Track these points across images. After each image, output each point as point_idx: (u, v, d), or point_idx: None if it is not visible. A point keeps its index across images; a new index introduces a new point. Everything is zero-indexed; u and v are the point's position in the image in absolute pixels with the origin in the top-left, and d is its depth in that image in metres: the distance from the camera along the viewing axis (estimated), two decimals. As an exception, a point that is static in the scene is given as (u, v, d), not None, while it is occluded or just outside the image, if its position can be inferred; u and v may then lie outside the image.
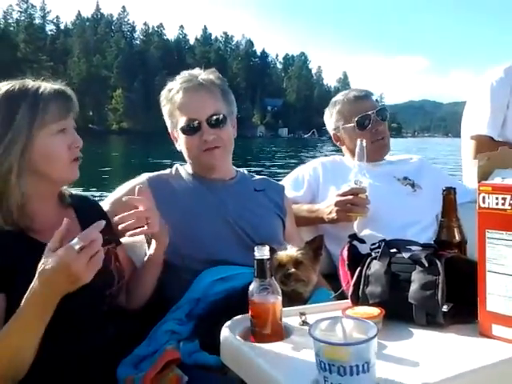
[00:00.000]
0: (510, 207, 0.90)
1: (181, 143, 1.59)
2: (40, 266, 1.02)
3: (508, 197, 0.91)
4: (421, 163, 2.05)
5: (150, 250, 1.41)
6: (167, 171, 1.66)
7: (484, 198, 0.94)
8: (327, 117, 2.02)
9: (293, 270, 1.30)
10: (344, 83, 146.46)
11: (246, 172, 1.75)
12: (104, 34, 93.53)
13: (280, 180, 2.00)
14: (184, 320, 1.33)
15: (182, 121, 1.53)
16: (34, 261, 1.07)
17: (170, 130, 1.63)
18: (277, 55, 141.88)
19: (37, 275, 1.02)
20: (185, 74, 1.58)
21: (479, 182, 0.98)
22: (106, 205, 1.52)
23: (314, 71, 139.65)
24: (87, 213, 1.34)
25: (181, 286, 1.42)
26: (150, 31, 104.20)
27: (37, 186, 1.21)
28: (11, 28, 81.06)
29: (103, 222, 1.05)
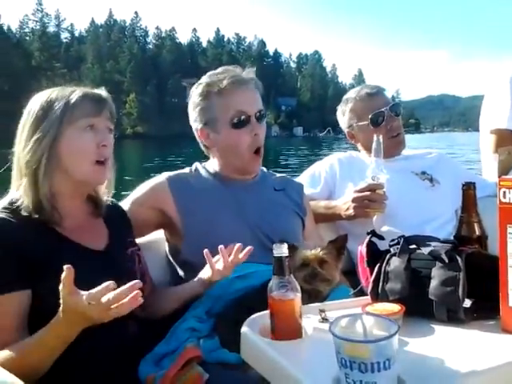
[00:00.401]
0: (531, 201, 0.90)
1: (222, 139, 1.54)
2: (61, 303, 1.04)
3: (529, 191, 0.90)
4: (439, 157, 2.04)
5: (196, 284, 1.39)
6: (186, 170, 1.66)
7: (505, 192, 0.93)
8: (340, 115, 2.02)
9: (319, 269, 1.31)
10: (359, 80, 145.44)
11: (265, 170, 1.75)
12: (117, 40, 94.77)
13: (296, 176, 2.01)
14: (204, 318, 1.35)
15: (230, 113, 1.49)
16: (61, 257, 1.12)
17: (199, 127, 1.57)
18: (290, 54, 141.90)
19: (59, 309, 1.04)
20: (227, 69, 1.56)
21: (499, 176, 0.97)
22: (125, 204, 1.54)
23: (328, 69, 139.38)
24: (113, 216, 1.37)
25: None
26: (163, 35, 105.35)
27: (65, 185, 1.23)
28: (27, 37, 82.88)
29: (137, 285, 1.03)
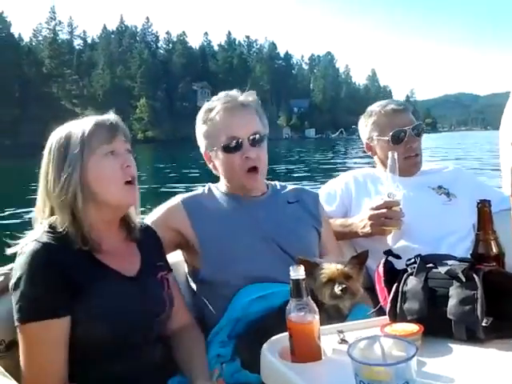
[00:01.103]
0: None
1: (220, 163, 1.62)
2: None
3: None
4: (456, 172, 2.04)
5: None
6: (200, 191, 1.71)
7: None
8: (362, 125, 2.03)
9: (347, 284, 1.32)
10: (373, 80, 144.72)
11: (277, 184, 1.78)
12: (128, 46, 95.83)
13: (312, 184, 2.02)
14: (226, 341, 1.38)
15: (222, 139, 1.57)
16: (97, 283, 1.19)
17: (203, 150, 1.67)
18: (302, 56, 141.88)
19: None
20: (224, 94, 1.63)
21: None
22: None
23: (341, 70, 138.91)
24: (146, 241, 1.41)
25: (221, 304, 1.48)
26: (174, 39, 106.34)
27: (100, 212, 1.28)
28: (40, 45, 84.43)
29: None
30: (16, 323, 1.17)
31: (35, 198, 1.31)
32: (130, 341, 1.25)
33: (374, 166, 2.10)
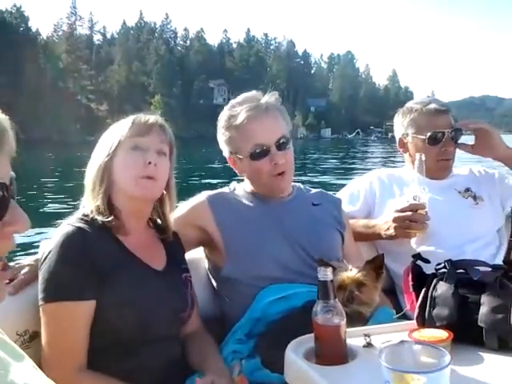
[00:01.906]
0: None
1: (247, 169, 1.62)
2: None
3: None
4: (483, 173, 2.01)
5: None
6: (226, 189, 1.71)
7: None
8: (398, 121, 1.99)
9: (356, 292, 1.32)
10: (393, 81, 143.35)
11: (301, 186, 1.79)
12: (146, 42, 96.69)
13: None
14: (244, 339, 1.39)
15: (249, 147, 1.56)
16: (126, 272, 1.23)
17: (227, 155, 1.66)
18: (321, 55, 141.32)
19: None
20: (245, 98, 1.61)
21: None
22: None
23: (362, 69, 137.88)
24: (170, 242, 1.44)
25: (242, 302, 1.48)
26: (191, 36, 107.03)
27: (123, 201, 1.32)
28: (59, 40, 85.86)
29: None
30: (40, 302, 1.19)
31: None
32: (152, 333, 1.27)
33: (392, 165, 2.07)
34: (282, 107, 1.64)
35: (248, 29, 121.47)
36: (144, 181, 1.30)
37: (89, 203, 1.31)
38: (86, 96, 77.84)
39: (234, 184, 1.73)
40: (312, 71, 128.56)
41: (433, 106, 1.89)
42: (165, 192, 1.39)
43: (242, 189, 1.70)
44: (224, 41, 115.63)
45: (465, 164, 2.22)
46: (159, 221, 1.45)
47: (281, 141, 1.56)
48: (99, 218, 1.27)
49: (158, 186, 1.34)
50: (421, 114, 1.89)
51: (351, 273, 1.35)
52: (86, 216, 1.29)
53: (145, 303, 1.25)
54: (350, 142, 71.66)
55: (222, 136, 1.64)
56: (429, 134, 1.84)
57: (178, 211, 1.62)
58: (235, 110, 1.59)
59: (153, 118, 1.37)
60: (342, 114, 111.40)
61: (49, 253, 1.22)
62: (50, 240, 1.26)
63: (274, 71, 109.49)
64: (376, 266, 1.39)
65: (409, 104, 1.97)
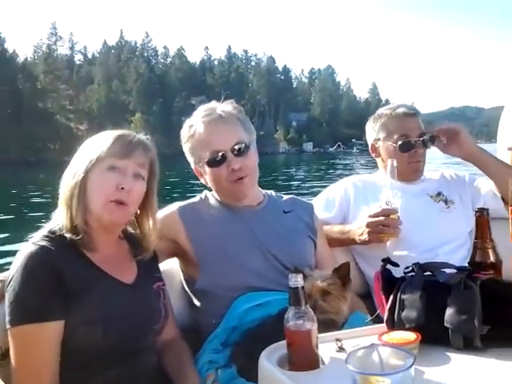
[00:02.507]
0: (543, 229, 0.94)
1: (207, 176, 1.65)
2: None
3: (540, 218, 0.95)
4: (454, 177, 2.07)
5: None
6: (197, 199, 1.73)
7: (516, 220, 0.99)
8: (369, 127, 2.05)
9: (320, 302, 1.33)
10: (373, 94, 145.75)
11: (273, 193, 1.81)
12: (126, 60, 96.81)
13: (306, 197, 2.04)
14: (219, 348, 1.40)
15: (206, 154, 1.59)
16: (94, 288, 1.21)
17: (193, 166, 1.70)
18: (302, 70, 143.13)
19: None
20: (203, 108, 1.66)
21: (511, 205, 1.01)
22: None
23: (342, 83, 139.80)
24: (140, 248, 1.43)
25: (216, 312, 1.50)
26: (172, 54, 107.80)
27: (98, 221, 1.31)
28: (37, 61, 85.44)
29: None
30: (7, 325, 1.18)
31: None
32: (125, 348, 1.27)
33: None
34: (241, 115, 1.67)
35: (229, 46, 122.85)
36: (112, 205, 1.28)
37: (60, 218, 1.30)
38: (65, 116, 77.25)
39: (205, 192, 1.75)
40: (294, 86, 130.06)
41: (401, 109, 1.96)
42: (138, 211, 1.38)
43: (213, 198, 1.71)
44: (206, 58, 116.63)
45: (440, 168, 2.28)
46: (131, 229, 1.43)
47: (237, 146, 1.58)
48: (67, 235, 1.26)
49: (128, 211, 1.32)
50: (390, 118, 1.95)
51: (317, 282, 1.37)
52: (53, 233, 1.27)
53: (115, 320, 1.25)
54: (331, 155, 72.39)
55: (185, 148, 1.68)
56: (399, 142, 1.90)
57: None
58: (193, 120, 1.64)
59: (136, 138, 1.35)
60: (324, 128, 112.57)
61: (14, 274, 1.21)
62: (15, 260, 1.24)
63: (255, 87, 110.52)
64: (342, 274, 1.41)
65: (379, 110, 2.04)
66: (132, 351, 1.28)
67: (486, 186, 1.98)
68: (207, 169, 1.62)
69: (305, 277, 1.34)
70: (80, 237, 1.27)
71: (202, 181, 1.70)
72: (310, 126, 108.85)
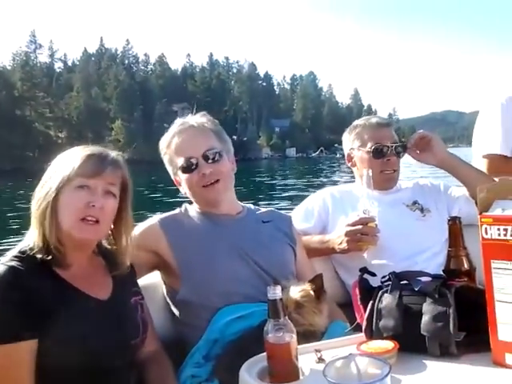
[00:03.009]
0: (512, 238, 0.97)
1: (183, 183, 1.70)
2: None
3: (509, 227, 0.97)
4: (429, 185, 2.12)
5: None
6: (177, 211, 1.76)
7: (486, 229, 1.01)
8: (345, 138, 2.11)
9: (294, 314, 1.34)
10: (356, 99, 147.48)
11: (252, 206, 1.87)
12: (106, 68, 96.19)
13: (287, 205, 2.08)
14: (201, 362, 1.41)
15: (180, 161, 1.66)
16: (68, 307, 1.20)
17: (172, 176, 1.76)
18: (284, 76, 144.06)
19: None
20: (178, 121, 1.74)
21: (480, 213, 1.05)
22: None
23: (325, 89, 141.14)
24: (115, 262, 1.42)
25: (199, 324, 1.51)
26: (152, 61, 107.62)
27: (70, 239, 1.30)
28: (15, 69, 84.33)
29: None
30: None
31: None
32: (102, 366, 1.26)
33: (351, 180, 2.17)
34: (215, 126, 1.74)
35: (211, 53, 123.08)
36: (83, 224, 1.28)
37: (32, 237, 1.29)
38: (43, 123, 76.23)
39: (184, 205, 1.78)
40: (276, 92, 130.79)
41: (375, 120, 2.05)
42: (112, 226, 1.39)
43: (193, 209, 1.75)
44: (188, 65, 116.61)
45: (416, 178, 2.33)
46: (107, 245, 1.43)
47: (208, 153, 1.64)
48: (38, 255, 1.25)
49: (101, 229, 1.32)
50: (364, 128, 2.03)
51: (291, 294, 1.38)
52: (23, 253, 1.26)
53: (90, 337, 1.24)
54: (314, 160, 72.95)
55: (164, 160, 1.75)
56: (373, 147, 1.95)
57: None
58: (169, 133, 1.72)
59: (108, 157, 1.35)
60: (306, 133, 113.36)
61: None
62: None
63: (236, 93, 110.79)
64: (316, 287, 1.43)
65: (355, 122, 2.11)
66: (110, 368, 1.28)
67: (460, 192, 2.03)
68: (181, 175, 1.68)
69: (282, 289, 1.36)
70: (51, 256, 1.26)
71: (181, 190, 1.75)
72: (293, 131, 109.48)
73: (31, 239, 1.29)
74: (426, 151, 1.95)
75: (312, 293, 1.41)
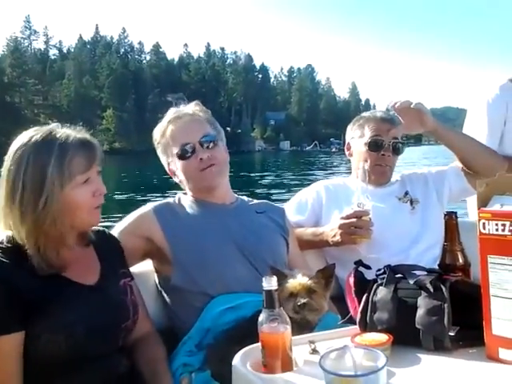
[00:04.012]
0: (509, 233, 0.97)
1: (178, 171, 1.72)
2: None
3: (507, 223, 0.98)
4: (416, 173, 2.14)
5: None
6: (171, 200, 1.78)
7: (484, 224, 1.02)
8: (349, 128, 2.12)
9: (307, 299, 1.36)
10: (353, 93, 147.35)
11: (245, 198, 1.89)
12: (101, 56, 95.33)
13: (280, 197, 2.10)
14: (194, 350, 1.41)
15: (176, 149, 1.68)
16: (55, 296, 1.20)
17: (166, 167, 1.78)
18: (281, 69, 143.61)
19: None
20: (171, 111, 1.75)
21: (479, 208, 1.06)
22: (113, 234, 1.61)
23: (323, 82, 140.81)
24: (105, 247, 1.44)
25: (191, 312, 1.52)
26: (146, 50, 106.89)
27: (60, 229, 1.28)
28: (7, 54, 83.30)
29: None
30: None
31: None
32: (93, 352, 1.27)
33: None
34: (208, 116, 1.77)
35: (208, 43, 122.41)
36: (95, 211, 1.34)
37: (18, 233, 1.25)
38: (32, 110, 75.55)
39: (179, 195, 1.79)
40: (273, 85, 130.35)
41: (379, 114, 2.05)
42: None
43: (186, 199, 1.76)
44: (184, 55, 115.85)
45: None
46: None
47: (204, 139, 1.67)
48: (25, 248, 1.23)
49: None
50: (367, 120, 2.04)
51: (303, 280, 1.40)
52: (4, 243, 1.24)
53: (79, 324, 1.24)
54: (308, 154, 73.03)
55: (158, 151, 1.76)
56: (371, 139, 1.96)
57: (123, 222, 1.66)
58: (163, 123, 1.73)
59: (93, 140, 1.34)
60: (301, 127, 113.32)
61: None
62: None
63: (231, 85, 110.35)
64: (327, 275, 1.45)
65: (361, 114, 2.12)
66: (101, 354, 1.28)
67: (448, 170, 2.04)
68: (178, 162, 1.70)
69: (283, 276, 1.37)
70: (38, 249, 1.25)
71: (175, 179, 1.76)
72: (288, 124, 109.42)
73: (15, 232, 1.25)
74: (412, 120, 1.87)
75: (322, 280, 1.43)
